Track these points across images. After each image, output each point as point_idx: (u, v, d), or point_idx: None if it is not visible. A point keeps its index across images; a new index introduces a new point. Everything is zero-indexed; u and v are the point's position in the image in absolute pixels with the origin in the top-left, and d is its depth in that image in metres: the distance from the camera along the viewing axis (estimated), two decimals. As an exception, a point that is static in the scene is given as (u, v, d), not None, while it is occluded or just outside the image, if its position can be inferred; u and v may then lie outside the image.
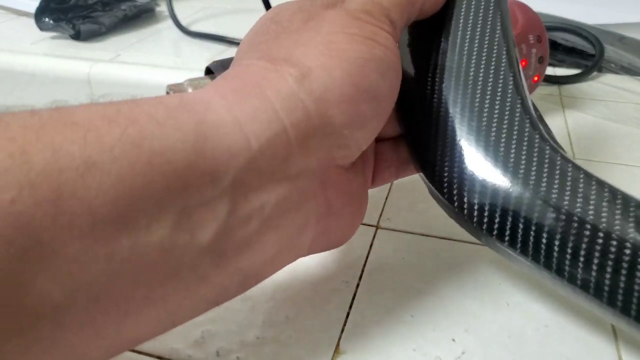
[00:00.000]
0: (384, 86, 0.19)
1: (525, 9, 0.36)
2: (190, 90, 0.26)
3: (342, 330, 0.22)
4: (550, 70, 0.46)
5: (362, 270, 0.25)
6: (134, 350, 0.21)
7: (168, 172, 0.14)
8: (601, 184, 0.18)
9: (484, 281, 0.24)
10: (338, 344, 0.21)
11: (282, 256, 0.19)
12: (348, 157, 0.19)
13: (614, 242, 0.17)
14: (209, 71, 0.28)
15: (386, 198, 0.30)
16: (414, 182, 0.31)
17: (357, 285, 0.24)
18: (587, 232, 0.17)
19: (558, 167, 0.18)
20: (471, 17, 0.21)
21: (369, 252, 0.26)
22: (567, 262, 0.18)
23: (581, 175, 0.18)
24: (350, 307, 0.23)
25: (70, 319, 0.13)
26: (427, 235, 0.27)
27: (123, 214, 0.14)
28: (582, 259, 0.17)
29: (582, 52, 0.48)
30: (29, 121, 0.13)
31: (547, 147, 0.19)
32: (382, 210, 0.29)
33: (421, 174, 0.22)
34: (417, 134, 0.22)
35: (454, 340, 0.21)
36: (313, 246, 0.20)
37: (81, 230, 0.13)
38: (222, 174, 0.15)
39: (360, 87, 0.18)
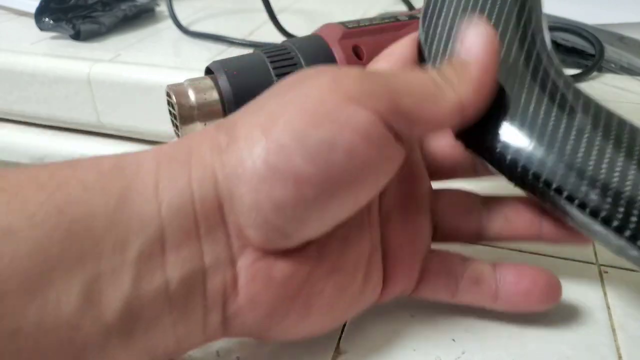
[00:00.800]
0: (308, 172, 0.16)
1: (525, 9, 0.36)
2: (190, 90, 0.26)
3: (342, 330, 0.22)
4: (550, 70, 0.46)
5: (362, 270, 0.25)
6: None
7: (85, 239, 0.14)
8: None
9: (484, 281, 0.24)
10: (338, 344, 0.21)
11: (190, 339, 0.18)
12: (265, 243, 0.17)
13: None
14: (209, 71, 0.28)
15: (386, 198, 0.30)
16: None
17: (357, 285, 0.24)
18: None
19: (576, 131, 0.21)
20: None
21: (369, 252, 0.26)
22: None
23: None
24: (350, 307, 0.23)
25: None
26: (427, 235, 0.27)
27: (34, 286, 0.13)
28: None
29: (582, 52, 0.48)
30: None
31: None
32: (382, 210, 0.29)
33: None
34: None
35: (454, 340, 0.21)
36: (227, 331, 0.18)
37: None
38: (131, 243, 0.15)
39: (275, 167, 0.16)
